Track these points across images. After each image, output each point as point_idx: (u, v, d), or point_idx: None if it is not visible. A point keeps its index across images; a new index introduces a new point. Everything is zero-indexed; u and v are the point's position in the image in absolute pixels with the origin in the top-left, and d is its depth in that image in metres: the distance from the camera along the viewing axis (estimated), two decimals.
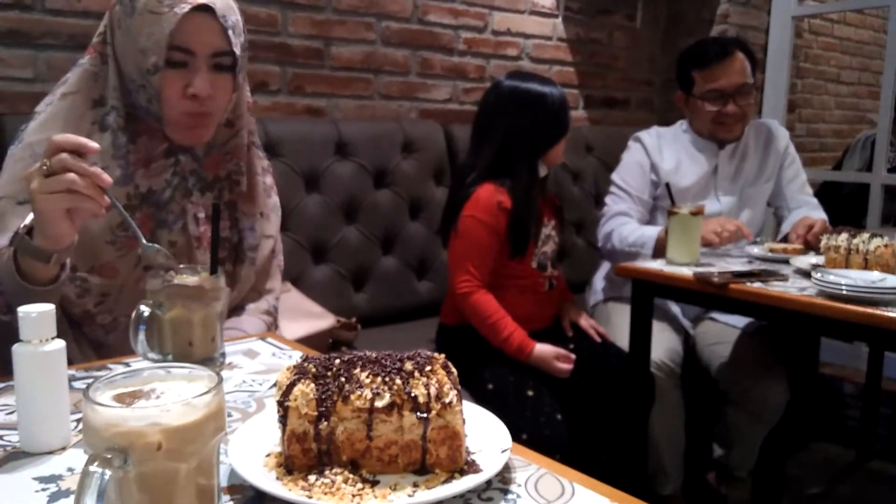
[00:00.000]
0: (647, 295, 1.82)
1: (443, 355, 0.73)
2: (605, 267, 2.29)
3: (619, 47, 3.19)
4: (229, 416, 0.83)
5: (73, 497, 0.63)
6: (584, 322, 1.99)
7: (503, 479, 0.69)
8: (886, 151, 2.91)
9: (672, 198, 1.88)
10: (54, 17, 1.85)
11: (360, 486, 0.65)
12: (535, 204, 1.85)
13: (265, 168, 1.34)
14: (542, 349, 1.78)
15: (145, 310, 0.91)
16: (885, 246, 1.55)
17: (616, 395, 1.85)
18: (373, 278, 2.24)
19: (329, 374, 0.69)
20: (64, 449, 0.75)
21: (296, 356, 1.06)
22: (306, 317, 1.77)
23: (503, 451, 0.70)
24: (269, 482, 0.65)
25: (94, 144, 0.92)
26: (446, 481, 0.67)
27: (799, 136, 3.85)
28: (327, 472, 0.66)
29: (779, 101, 3.16)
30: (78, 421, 0.80)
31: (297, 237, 2.07)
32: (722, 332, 2.12)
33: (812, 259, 1.73)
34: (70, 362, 0.81)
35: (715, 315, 2.17)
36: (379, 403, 0.66)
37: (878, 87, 3.05)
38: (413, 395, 0.67)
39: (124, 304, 1.14)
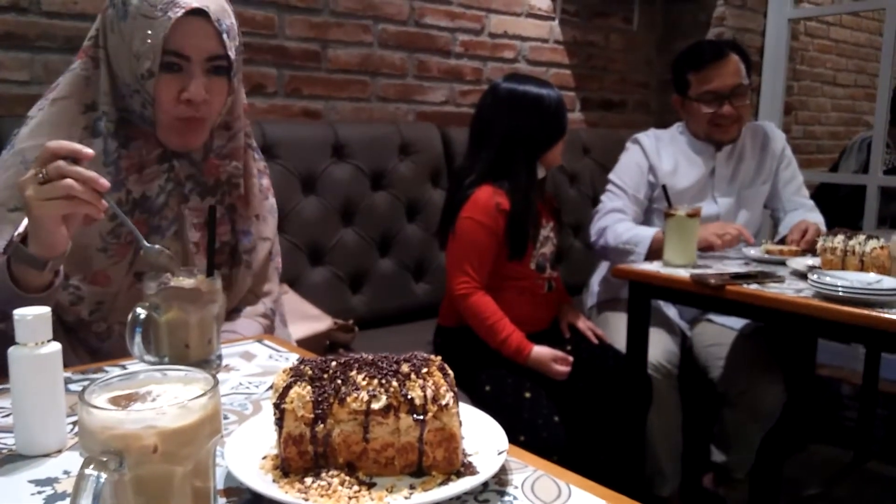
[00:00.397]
0: (644, 297, 1.82)
1: (439, 357, 0.73)
2: (602, 269, 2.29)
3: (615, 50, 3.20)
4: (226, 418, 0.83)
5: (68, 500, 0.63)
6: (582, 324, 1.99)
7: (500, 481, 0.69)
8: (882, 153, 2.92)
9: (669, 200, 1.88)
10: (50, 19, 1.84)
11: (356, 488, 0.65)
12: (533, 205, 1.85)
13: (261, 170, 1.33)
14: (540, 351, 1.78)
15: (142, 312, 0.91)
16: (882, 248, 1.56)
17: (613, 397, 1.85)
18: (370, 280, 2.24)
19: (325, 376, 0.69)
20: (60, 452, 0.75)
21: (292, 358, 1.06)
22: (303, 319, 1.77)
23: (500, 453, 0.70)
24: (265, 485, 0.65)
25: (89, 151, 0.92)
26: (443, 483, 0.66)
27: (795, 138, 3.86)
28: (324, 475, 0.66)
29: (775, 104, 3.17)
30: (74, 423, 0.79)
31: (294, 239, 2.07)
32: (719, 333, 2.12)
33: (808, 261, 1.73)
34: (66, 367, 0.81)
35: (712, 317, 2.17)
36: (375, 406, 0.66)
37: (874, 89, 3.06)
38: (409, 397, 0.66)
39: (119, 312, 1.14)
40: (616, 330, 2.03)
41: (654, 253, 1.94)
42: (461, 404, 0.72)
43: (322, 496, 0.63)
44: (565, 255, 2.65)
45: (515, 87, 1.85)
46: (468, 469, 0.68)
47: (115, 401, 0.55)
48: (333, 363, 0.70)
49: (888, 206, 3.02)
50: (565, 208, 2.40)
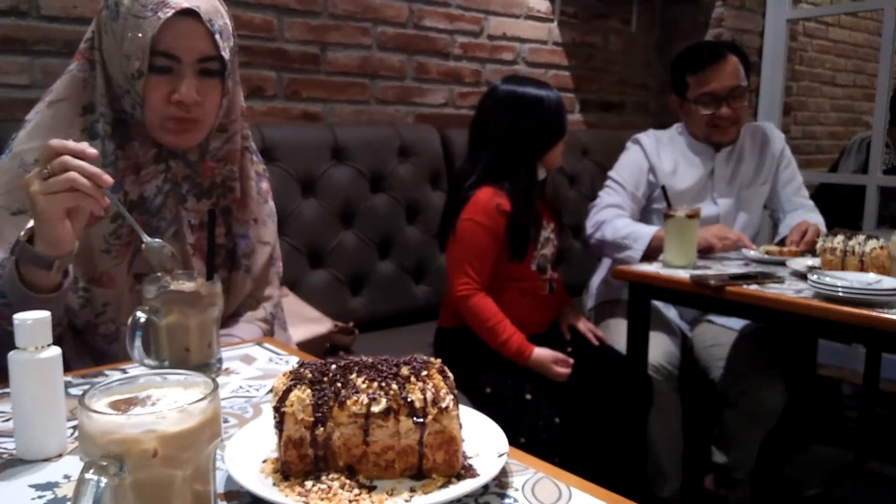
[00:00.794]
0: (644, 298, 1.82)
1: (439, 360, 0.73)
2: (603, 270, 2.29)
3: (614, 51, 3.20)
4: (226, 421, 0.83)
5: None
6: (582, 326, 1.99)
7: (500, 483, 0.69)
8: (882, 153, 2.92)
9: (668, 201, 1.88)
10: (50, 23, 1.85)
11: (356, 491, 0.65)
12: (534, 206, 1.85)
13: (260, 173, 1.33)
14: (541, 353, 1.78)
15: (141, 316, 0.91)
16: (881, 248, 1.56)
17: (614, 399, 1.85)
18: (370, 283, 2.24)
19: (325, 379, 0.69)
20: (60, 456, 0.75)
21: (293, 361, 1.06)
22: (303, 322, 1.77)
23: (500, 456, 0.70)
24: (265, 488, 0.65)
25: (92, 150, 0.92)
26: (443, 486, 0.66)
27: (795, 138, 3.86)
28: (324, 478, 0.66)
29: (774, 104, 3.17)
30: (74, 428, 0.79)
31: (294, 242, 2.07)
32: (719, 334, 2.12)
33: (808, 261, 1.73)
34: (75, 370, 0.81)
35: (712, 317, 2.17)
36: (375, 408, 0.66)
37: (873, 89, 3.06)
38: (409, 399, 0.66)
39: (126, 313, 1.13)
40: (616, 331, 2.03)
41: (654, 251, 1.93)
42: (461, 406, 0.72)
43: (322, 499, 0.63)
44: (565, 256, 2.65)
45: (515, 88, 1.86)
46: (468, 471, 0.68)
47: (114, 405, 0.55)
48: (333, 366, 0.70)
49: (888, 206, 3.02)
50: (565, 209, 2.40)
